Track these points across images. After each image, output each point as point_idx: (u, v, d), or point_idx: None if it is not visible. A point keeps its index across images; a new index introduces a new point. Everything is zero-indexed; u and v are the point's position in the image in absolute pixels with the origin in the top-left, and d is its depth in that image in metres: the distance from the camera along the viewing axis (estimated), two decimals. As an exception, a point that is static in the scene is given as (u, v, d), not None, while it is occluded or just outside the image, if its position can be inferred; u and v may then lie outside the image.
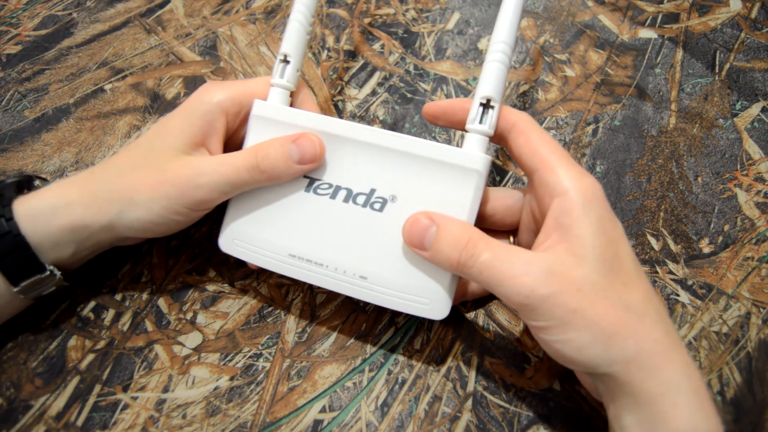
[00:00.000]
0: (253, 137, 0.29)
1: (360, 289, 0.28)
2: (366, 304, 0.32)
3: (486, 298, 0.32)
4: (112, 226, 0.27)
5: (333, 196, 0.28)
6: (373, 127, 0.28)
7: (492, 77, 0.27)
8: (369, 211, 0.28)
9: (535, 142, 0.26)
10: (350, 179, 0.28)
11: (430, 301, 0.27)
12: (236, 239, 0.29)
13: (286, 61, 0.30)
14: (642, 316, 0.23)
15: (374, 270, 0.28)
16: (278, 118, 0.28)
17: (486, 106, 0.27)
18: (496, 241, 0.25)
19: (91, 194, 0.27)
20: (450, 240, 0.25)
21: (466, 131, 0.27)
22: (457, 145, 0.33)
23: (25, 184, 0.29)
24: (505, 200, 0.29)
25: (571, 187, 0.24)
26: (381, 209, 0.28)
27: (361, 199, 0.28)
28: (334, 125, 0.28)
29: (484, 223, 0.29)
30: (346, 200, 0.28)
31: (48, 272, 0.27)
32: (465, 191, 0.26)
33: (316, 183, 0.28)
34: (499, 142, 0.28)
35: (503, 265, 0.24)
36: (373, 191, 0.28)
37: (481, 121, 0.27)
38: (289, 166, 0.27)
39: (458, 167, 0.26)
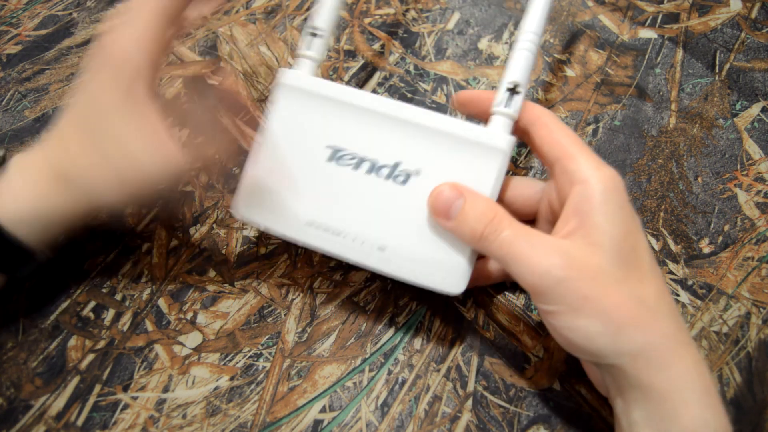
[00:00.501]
0: (279, 107, 0.29)
1: (377, 260, 0.28)
2: (366, 304, 0.32)
3: (487, 300, 0.32)
4: (90, 211, 0.28)
5: (356, 167, 0.28)
6: (400, 102, 0.28)
7: (520, 64, 0.27)
8: (392, 184, 0.28)
9: (558, 134, 0.26)
10: (375, 151, 0.28)
11: (446, 275, 0.27)
12: (251, 205, 0.29)
13: (315, 35, 0.30)
14: (654, 311, 0.23)
15: (393, 242, 0.28)
16: (307, 88, 0.29)
17: (513, 91, 0.27)
18: (518, 222, 0.25)
19: (65, 193, 0.27)
20: (476, 213, 0.25)
21: (492, 114, 0.28)
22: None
23: None
24: (524, 190, 0.29)
25: (592, 176, 0.24)
26: (404, 182, 0.28)
27: (384, 172, 0.28)
28: (362, 98, 0.28)
29: None
30: (369, 171, 0.28)
31: (40, 256, 0.28)
32: (489, 170, 0.27)
33: (340, 152, 0.28)
34: (521, 136, 0.29)
35: (523, 243, 0.24)
36: (397, 164, 0.28)
37: (507, 105, 0.27)
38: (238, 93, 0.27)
39: (484, 145, 0.27)
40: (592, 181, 0.24)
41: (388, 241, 0.28)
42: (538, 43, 0.28)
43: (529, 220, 0.30)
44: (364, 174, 0.28)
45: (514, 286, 0.33)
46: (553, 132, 0.27)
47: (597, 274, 0.23)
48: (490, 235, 0.25)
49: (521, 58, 0.28)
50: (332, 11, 0.30)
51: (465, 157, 0.27)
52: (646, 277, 0.24)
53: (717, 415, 0.23)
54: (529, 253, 0.24)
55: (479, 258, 0.30)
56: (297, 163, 0.29)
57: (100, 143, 0.26)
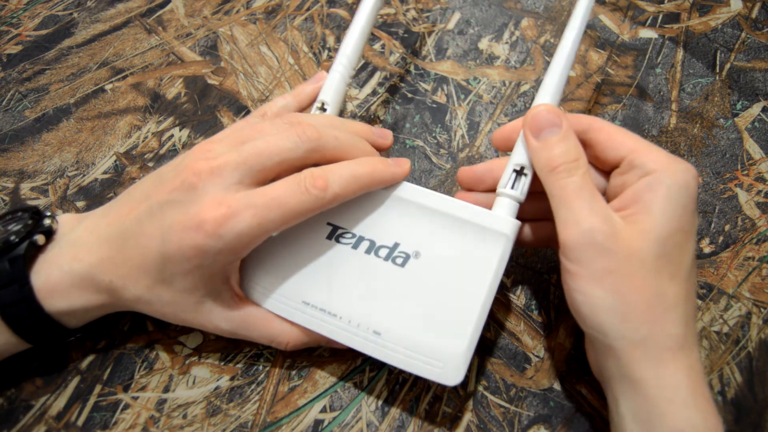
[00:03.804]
0: None
1: (373, 345, 0.26)
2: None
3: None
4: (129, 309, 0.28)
5: (355, 246, 0.27)
6: (403, 182, 0.28)
7: (525, 146, 0.27)
8: (390, 265, 0.27)
9: (619, 135, 0.26)
10: (375, 231, 0.27)
11: (444, 365, 0.26)
12: (249, 280, 0.28)
13: (323, 109, 0.31)
14: (669, 309, 0.23)
15: (389, 326, 0.26)
16: None
17: (519, 173, 0.27)
18: (591, 177, 0.25)
19: (118, 300, 0.27)
20: (565, 146, 0.25)
21: (497, 195, 0.27)
22: (462, 147, 0.33)
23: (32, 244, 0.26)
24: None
25: (664, 169, 0.24)
26: (403, 264, 0.27)
27: (383, 252, 0.27)
28: None
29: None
30: (368, 252, 0.27)
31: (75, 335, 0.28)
32: (491, 254, 0.26)
33: (339, 231, 0.28)
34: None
35: (585, 195, 0.24)
36: (396, 245, 0.27)
37: (513, 187, 0.27)
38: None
39: (487, 229, 0.26)
40: (663, 174, 0.24)
41: (384, 326, 0.27)
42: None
43: None
44: (362, 254, 0.27)
45: (514, 286, 0.33)
46: (612, 134, 0.26)
47: (632, 256, 0.23)
48: (562, 172, 0.24)
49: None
50: (341, 84, 0.31)
51: (467, 240, 0.26)
52: (678, 276, 0.24)
53: (705, 417, 0.23)
54: (584, 207, 0.24)
55: (529, 220, 0.29)
56: (297, 240, 0.28)
57: (170, 291, 0.26)
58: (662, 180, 0.24)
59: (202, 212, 0.24)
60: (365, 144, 0.29)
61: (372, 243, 0.27)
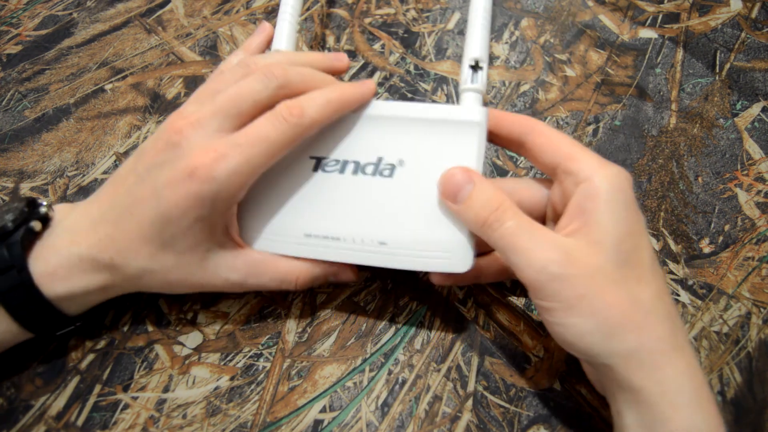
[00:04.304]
0: None
1: (380, 256, 0.28)
2: (366, 304, 0.32)
3: (487, 300, 0.32)
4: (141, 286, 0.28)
5: (342, 170, 0.28)
6: (372, 101, 0.28)
7: (477, 39, 0.29)
8: (379, 179, 0.28)
9: (556, 140, 0.26)
10: (356, 152, 0.28)
11: (452, 254, 0.27)
12: (249, 230, 0.29)
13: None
14: (649, 312, 0.23)
15: (393, 234, 0.28)
16: None
17: (475, 67, 0.28)
18: (524, 214, 0.25)
19: (122, 281, 0.27)
20: (483, 199, 0.25)
21: (461, 92, 0.29)
22: None
23: (30, 218, 0.27)
24: (531, 193, 0.29)
25: (597, 173, 0.24)
26: (391, 175, 0.28)
27: (369, 169, 0.28)
28: None
29: None
30: (354, 172, 0.28)
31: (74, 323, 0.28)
32: (468, 145, 0.27)
33: (323, 161, 0.29)
34: (517, 150, 0.28)
35: (524, 236, 0.24)
36: (380, 159, 0.28)
37: (472, 81, 0.28)
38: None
39: (459, 122, 0.27)
40: (597, 179, 0.24)
41: (388, 235, 0.28)
42: (489, 17, 0.29)
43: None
44: (350, 175, 0.28)
45: (514, 286, 0.33)
46: (551, 138, 0.26)
47: (594, 273, 0.23)
48: (494, 224, 0.25)
49: (477, 34, 0.29)
50: (292, 31, 0.32)
51: (443, 137, 0.27)
52: (645, 278, 0.24)
53: (707, 418, 0.22)
54: (529, 246, 0.24)
55: (484, 254, 0.30)
56: (285, 180, 0.29)
57: (173, 255, 0.26)
58: (598, 186, 0.24)
59: (192, 161, 0.25)
60: (325, 75, 0.30)
61: (356, 163, 0.28)
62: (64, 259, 0.26)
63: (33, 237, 0.26)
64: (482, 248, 0.28)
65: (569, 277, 0.23)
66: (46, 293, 0.26)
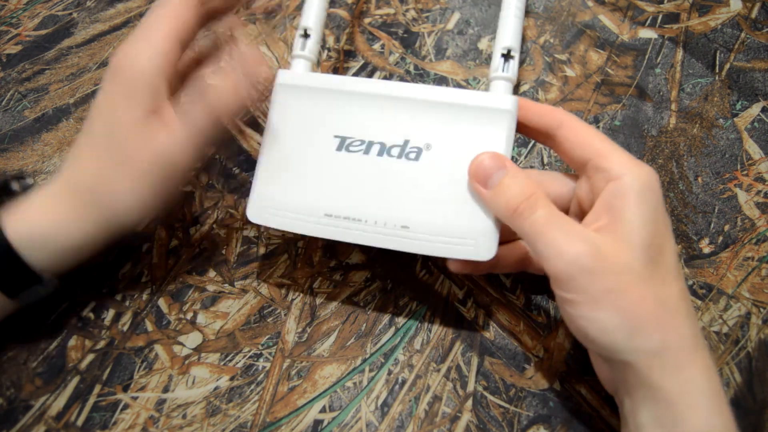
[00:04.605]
0: (280, 107, 0.29)
1: (402, 240, 0.27)
2: (366, 304, 0.32)
3: (487, 300, 0.32)
4: (112, 233, 0.27)
5: (366, 151, 0.28)
6: (399, 82, 0.28)
7: (510, 29, 0.29)
8: (405, 162, 0.28)
9: (586, 135, 0.26)
10: (382, 133, 0.28)
11: (475, 242, 0.27)
12: (266, 207, 0.29)
13: (306, 35, 0.31)
14: (674, 312, 0.23)
15: (416, 218, 0.27)
16: (304, 84, 0.29)
17: (507, 56, 0.28)
18: (554, 206, 0.25)
19: (83, 209, 0.27)
20: (515, 187, 0.25)
21: (491, 80, 0.29)
22: None
23: (5, 190, 0.29)
24: (555, 188, 0.29)
25: (628, 172, 0.24)
26: (417, 158, 0.28)
27: (395, 151, 0.28)
28: (361, 84, 0.28)
29: None
30: (380, 154, 0.28)
31: (47, 282, 0.27)
32: (498, 133, 0.27)
33: (348, 140, 0.28)
34: (545, 141, 0.28)
35: (555, 227, 0.24)
36: (407, 142, 0.28)
37: (504, 70, 0.28)
38: (238, 92, 0.27)
39: (489, 109, 0.27)
40: (628, 178, 0.24)
41: (411, 218, 0.27)
42: (523, 7, 0.29)
43: None
44: (375, 157, 0.28)
45: (514, 286, 0.33)
46: (581, 133, 0.26)
47: (623, 269, 0.23)
48: (524, 212, 0.24)
49: (510, 23, 0.29)
50: (320, 10, 0.31)
51: (472, 123, 0.27)
52: (669, 278, 0.24)
53: (725, 420, 0.23)
54: (560, 238, 0.23)
55: (503, 243, 0.30)
56: (306, 158, 0.28)
57: (120, 156, 0.26)
58: (629, 185, 0.24)
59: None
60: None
61: (382, 145, 0.28)
62: (35, 201, 0.27)
63: (7, 191, 0.28)
64: (503, 237, 0.28)
65: (598, 271, 0.23)
66: (11, 233, 0.25)
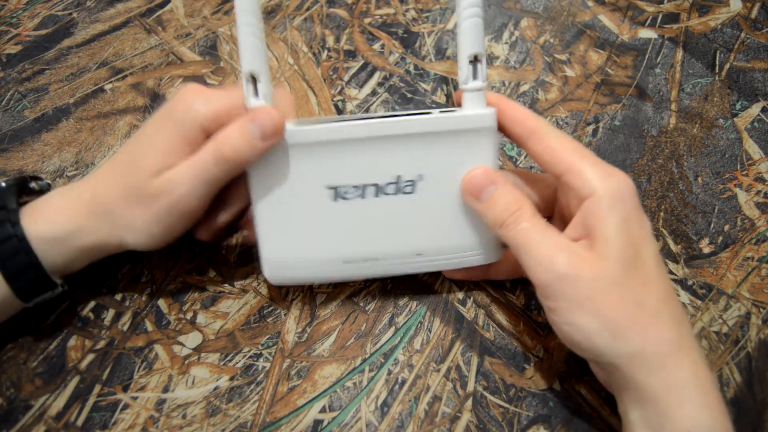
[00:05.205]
0: (258, 164, 0.27)
1: (419, 264, 0.30)
2: (366, 304, 0.32)
3: (487, 300, 0.32)
4: (121, 245, 0.28)
5: (362, 195, 0.28)
6: (373, 119, 0.27)
7: (471, 33, 0.27)
8: (402, 197, 0.28)
9: (556, 147, 0.26)
10: (373, 174, 0.28)
11: (483, 250, 0.29)
12: (282, 267, 0.29)
13: (254, 80, 0.26)
14: (655, 315, 0.24)
15: (427, 245, 0.29)
16: (283, 140, 0.27)
17: (474, 61, 0.28)
18: (540, 217, 0.26)
19: (97, 220, 0.27)
20: (504, 202, 0.26)
21: (463, 92, 0.28)
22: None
23: (23, 188, 0.29)
24: (544, 189, 0.30)
25: (598, 188, 0.25)
26: (413, 191, 0.28)
27: (391, 189, 0.28)
28: (337, 131, 0.27)
29: None
30: (377, 195, 0.28)
31: (59, 287, 0.28)
32: (483, 150, 0.28)
33: (341, 189, 0.28)
34: (522, 147, 0.28)
35: (536, 236, 0.25)
36: (399, 177, 0.28)
37: (474, 77, 0.28)
38: (253, 146, 0.26)
39: (470, 131, 0.27)
40: (599, 194, 0.25)
41: (423, 246, 0.29)
42: (482, 8, 0.28)
43: (547, 217, 0.30)
44: (372, 199, 0.28)
45: (514, 287, 0.33)
46: (550, 146, 0.26)
47: (599, 275, 0.24)
48: (510, 224, 0.26)
49: (471, 28, 0.27)
50: (259, 47, 0.26)
51: (457, 146, 0.28)
52: (650, 281, 0.24)
53: (714, 415, 0.23)
54: (539, 246, 0.25)
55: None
56: (306, 213, 0.28)
57: (133, 183, 0.27)
58: (599, 201, 0.25)
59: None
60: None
61: (376, 186, 0.28)
62: (54, 201, 0.28)
63: (26, 189, 0.29)
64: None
65: (575, 278, 0.24)
66: (29, 232, 0.26)
